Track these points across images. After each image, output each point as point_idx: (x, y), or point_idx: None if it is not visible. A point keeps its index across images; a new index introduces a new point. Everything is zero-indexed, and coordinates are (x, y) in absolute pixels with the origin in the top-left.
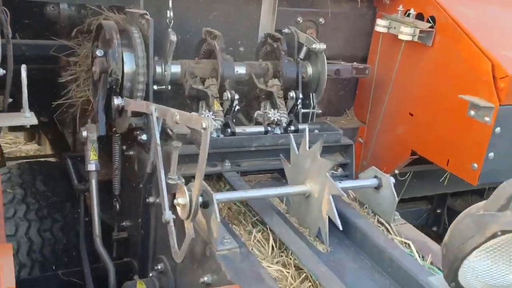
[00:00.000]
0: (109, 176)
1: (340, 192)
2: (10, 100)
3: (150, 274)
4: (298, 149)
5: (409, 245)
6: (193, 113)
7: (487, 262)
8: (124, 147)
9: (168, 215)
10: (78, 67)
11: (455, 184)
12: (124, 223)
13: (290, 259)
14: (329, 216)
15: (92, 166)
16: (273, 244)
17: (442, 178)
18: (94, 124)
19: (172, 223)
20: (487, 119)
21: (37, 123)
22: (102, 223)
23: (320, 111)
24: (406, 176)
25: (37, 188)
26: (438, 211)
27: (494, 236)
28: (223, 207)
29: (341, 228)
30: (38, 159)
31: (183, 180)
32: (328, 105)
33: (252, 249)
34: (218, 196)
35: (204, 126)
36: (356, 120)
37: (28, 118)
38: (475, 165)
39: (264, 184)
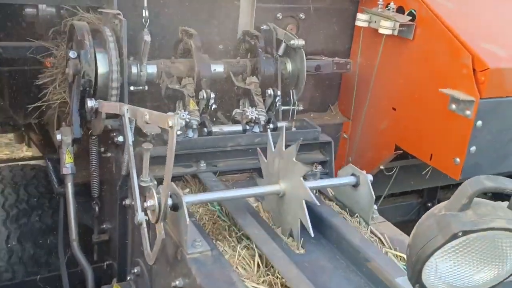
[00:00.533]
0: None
1: (314, 200)
2: None
3: (128, 278)
4: (275, 147)
5: (381, 242)
6: (162, 113)
7: (450, 263)
8: (102, 149)
9: (140, 216)
10: (55, 68)
11: (440, 178)
12: (104, 226)
13: (277, 277)
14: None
15: (67, 170)
16: (259, 261)
17: (424, 172)
18: (69, 127)
19: (144, 225)
20: (468, 112)
21: None
22: (83, 226)
23: (301, 107)
24: (393, 171)
25: (18, 193)
26: (429, 204)
27: (455, 236)
28: (207, 222)
29: (312, 235)
30: (21, 163)
31: (155, 182)
32: (312, 101)
33: (236, 267)
34: (188, 198)
35: (170, 124)
36: (341, 115)
37: None
38: (458, 159)
39: (241, 184)
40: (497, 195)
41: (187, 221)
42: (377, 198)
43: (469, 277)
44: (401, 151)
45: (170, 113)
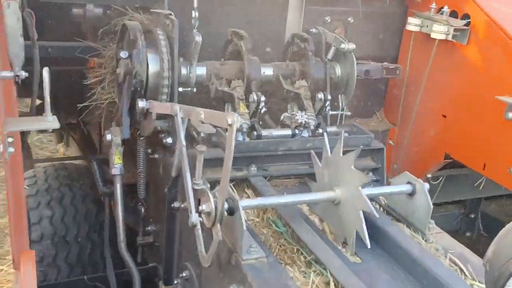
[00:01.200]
0: (135, 179)
1: (373, 212)
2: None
3: (175, 281)
4: (331, 151)
5: (445, 255)
6: (220, 111)
7: None
8: (150, 151)
9: (194, 218)
10: (104, 69)
11: (491, 189)
12: (149, 228)
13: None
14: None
15: (116, 170)
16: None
17: (478, 183)
18: (119, 127)
19: (199, 226)
20: None
21: (58, 127)
22: (127, 228)
23: (349, 113)
24: (439, 180)
25: (62, 193)
26: (472, 216)
27: None
28: (274, 245)
29: (369, 246)
30: (64, 162)
31: (209, 185)
32: (357, 106)
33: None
34: (244, 203)
35: (229, 123)
36: (386, 122)
37: (50, 122)
38: None
39: (291, 189)
40: None
41: (243, 225)
42: None
43: None
44: (450, 160)
45: (228, 113)
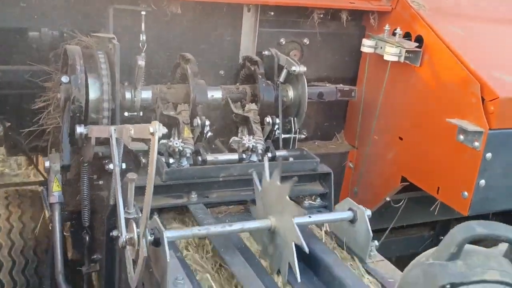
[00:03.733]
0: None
1: (304, 247)
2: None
3: None
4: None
5: (382, 285)
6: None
7: None
8: (95, 176)
9: (123, 239)
10: (52, 93)
11: (450, 211)
12: (95, 256)
13: None
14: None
15: (54, 198)
16: None
17: (433, 207)
18: (58, 153)
19: (128, 248)
20: (476, 144)
21: None
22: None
23: (303, 136)
24: (401, 203)
25: (10, 222)
26: (441, 237)
27: None
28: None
29: (299, 280)
30: (18, 187)
31: (140, 214)
32: (317, 128)
33: None
34: (170, 234)
35: (151, 131)
36: (347, 144)
37: None
38: (466, 193)
39: (234, 217)
40: None
41: (167, 259)
42: (384, 230)
43: None
44: (408, 183)
45: (171, 142)
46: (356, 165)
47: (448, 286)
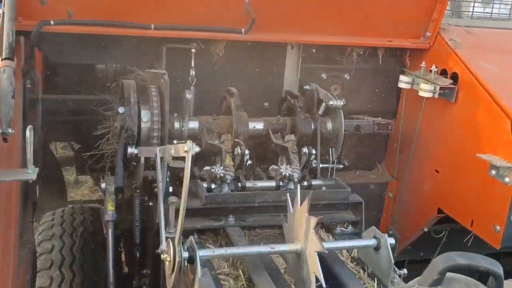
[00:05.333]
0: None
1: (323, 248)
2: None
3: None
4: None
5: None
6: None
7: None
8: (146, 198)
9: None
10: (112, 121)
11: (483, 246)
12: (144, 271)
13: None
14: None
15: (108, 216)
16: None
17: (466, 239)
18: (113, 176)
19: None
20: (507, 179)
21: (35, 179)
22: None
23: (341, 166)
24: (442, 234)
25: (73, 238)
26: None
27: None
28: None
29: (324, 286)
30: (85, 205)
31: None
32: (358, 158)
33: None
34: (203, 252)
35: (185, 149)
36: (387, 174)
37: (29, 174)
38: (498, 227)
39: (268, 240)
40: None
41: (199, 275)
42: (425, 260)
43: None
44: (444, 215)
45: (213, 169)
46: (395, 195)
47: None
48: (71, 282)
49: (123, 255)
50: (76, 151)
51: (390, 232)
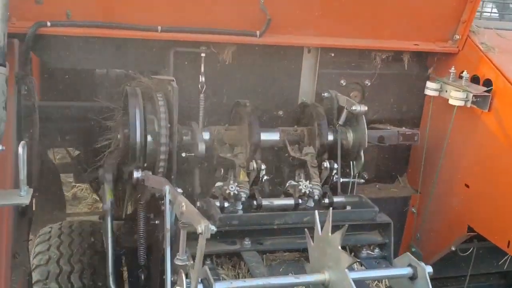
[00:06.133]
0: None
1: (354, 259)
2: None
3: None
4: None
5: None
6: (197, 212)
7: None
8: (151, 215)
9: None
10: (114, 131)
11: None
12: None
13: None
14: None
15: (107, 206)
16: None
17: (502, 261)
18: (111, 166)
19: None
20: None
21: (28, 203)
22: None
23: (362, 181)
24: (469, 252)
25: (72, 252)
26: None
27: None
28: None
29: None
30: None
31: (192, 262)
32: (378, 170)
33: None
34: (219, 286)
35: (199, 231)
36: (410, 187)
37: (22, 197)
38: None
39: (288, 265)
40: None
41: None
42: (448, 278)
43: None
44: (475, 233)
45: (203, 219)
46: (419, 210)
47: None
48: None
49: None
50: (75, 157)
51: (413, 250)
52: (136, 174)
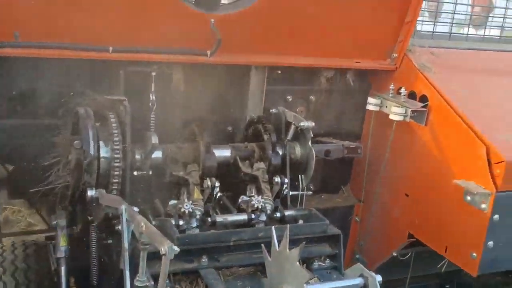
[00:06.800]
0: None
1: (311, 275)
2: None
3: None
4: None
5: None
6: (158, 232)
7: None
8: (104, 235)
9: None
10: (62, 150)
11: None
12: None
13: None
14: None
15: (61, 253)
16: None
17: (440, 265)
18: (64, 211)
19: None
20: (483, 206)
21: None
22: None
23: (310, 192)
24: (408, 256)
25: (15, 277)
26: (447, 287)
27: None
28: None
29: None
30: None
31: (152, 283)
32: (323, 182)
33: None
34: None
35: (162, 252)
36: (353, 197)
37: None
38: (474, 254)
39: (244, 279)
40: None
41: None
42: (389, 281)
43: None
44: (415, 239)
45: (165, 240)
46: (362, 219)
47: None
48: None
49: None
50: (10, 172)
51: (357, 256)
52: (90, 193)
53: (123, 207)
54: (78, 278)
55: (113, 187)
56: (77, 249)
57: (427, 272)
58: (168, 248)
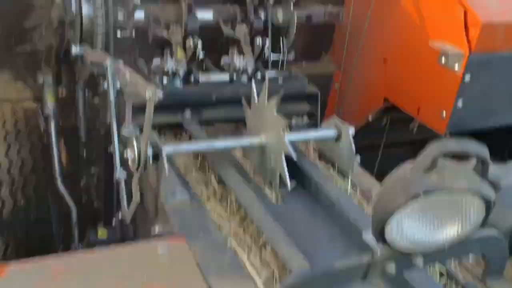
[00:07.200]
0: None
1: (292, 154)
2: None
3: (113, 224)
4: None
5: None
6: (142, 79)
7: (412, 221)
8: (90, 94)
9: (119, 174)
10: (44, 11)
11: (429, 132)
12: (92, 171)
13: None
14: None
15: (49, 110)
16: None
17: (411, 125)
18: (50, 69)
19: (123, 183)
20: (456, 66)
21: None
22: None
23: (292, 57)
24: (384, 123)
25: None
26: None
27: (416, 196)
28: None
29: (289, 189)
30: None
31: (138, 133)
32: (304, 49)
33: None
34: (167, 149)
35: (147, 97)
36: (334, 65)
37: None
38: (444, 113)
39: (227, 136)
40: None
41: (166, 172)
42: (367, 147)
43: (432, 235)
44: (390, 104)
45: (149, 85)
46: (341, 86)
47: (421, 194)
48: (11, 187)
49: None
50: None
51: None
52: (75, 50)
53: (108, 60)
54: (67, 137)
55: (98, 46)
56: (64, 111)
57: (402, 139)
58: (151, 92)
